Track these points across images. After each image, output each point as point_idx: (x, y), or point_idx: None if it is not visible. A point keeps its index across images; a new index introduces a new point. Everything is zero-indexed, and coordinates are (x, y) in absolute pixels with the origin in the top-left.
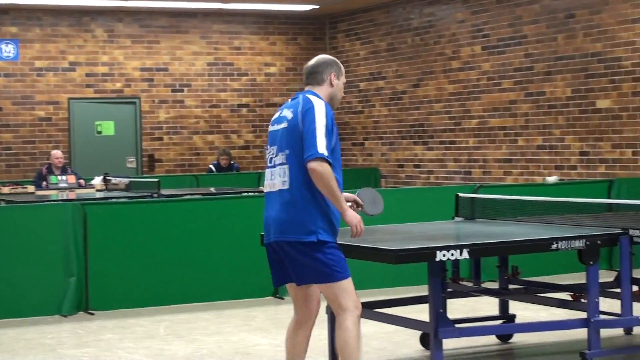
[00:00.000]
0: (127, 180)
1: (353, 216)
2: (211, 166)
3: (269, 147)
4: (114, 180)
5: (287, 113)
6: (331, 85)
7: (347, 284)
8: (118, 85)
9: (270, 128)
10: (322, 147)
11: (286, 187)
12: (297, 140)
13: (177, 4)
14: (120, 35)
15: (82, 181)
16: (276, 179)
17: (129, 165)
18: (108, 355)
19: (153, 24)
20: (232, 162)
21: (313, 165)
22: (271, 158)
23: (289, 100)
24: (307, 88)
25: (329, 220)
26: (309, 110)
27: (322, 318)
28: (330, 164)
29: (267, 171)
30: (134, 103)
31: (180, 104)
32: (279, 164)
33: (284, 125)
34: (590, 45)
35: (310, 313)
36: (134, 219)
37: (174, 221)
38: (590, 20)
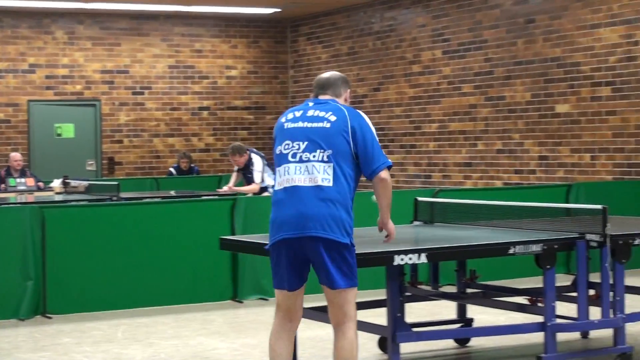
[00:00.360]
0: (86, 183)
1: (393, 226)
2: (171, 169)
3: (289, 142)
4: (73, 183)
5: (325, 114)
6: (345, 101)
7: (356, 292)
8: (78, 87)
9: (290, 125)
10: (386, 156)
11: (329, 184)
12: (342, 142)
13: (138, 6)
14: (81, 37)
15: (41, 184)
16: (310, 174)
17: (89, 168)
18: (65, 359)
19: (114, 26)
20: (192, 165)
21: (384, 174)
22: (295, 153)
23: (309, 103)
24: (325, 97)
25: (353, 225)
26: (363, 121)
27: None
28: None
29: (291, 166)
30: (94, 105)
31: (140, 106)
32: (317, 161)
33: (323, 124)
34: (550, 50)
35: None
36: (93, 222)
37: (133, 224)
38: (549, 26)
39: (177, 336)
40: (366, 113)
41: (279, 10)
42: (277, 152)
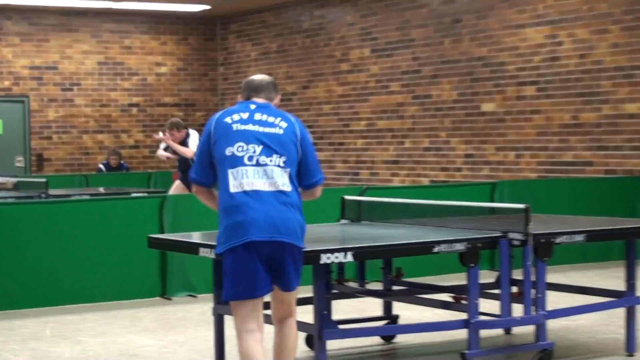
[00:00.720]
0: (14, 179)
1: None
2: (101, 165)
3: (242, 144)
4: (1, 179)
5: (275, 120)
6: (275, 106)
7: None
8: (6, 83)
9: (239, 126)
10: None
11: (286, 189)
12: (293, 150)
13: (67, 2)
14: (9, 33)
15: None
16: (270, 179)
17: (18, 165)
18: None
19: (42, 22)
20: (121, 162)
21: (319, 189)
22: (251, 156)
23: (250, 105)
24: (259, 101)
25: None
26: (307, 132)
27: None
28: None
29: (248, 169)
30: (23, 102)
31: (69, 102)
32: (273, 166)
33: (276, 130)
34: (476, 49)
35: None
36: (21, 219)
37: (61, 222)
38: (476, 25)
39: (105, 333)
40: (295, 111)
41: (209, 7)
42: (228, 153)
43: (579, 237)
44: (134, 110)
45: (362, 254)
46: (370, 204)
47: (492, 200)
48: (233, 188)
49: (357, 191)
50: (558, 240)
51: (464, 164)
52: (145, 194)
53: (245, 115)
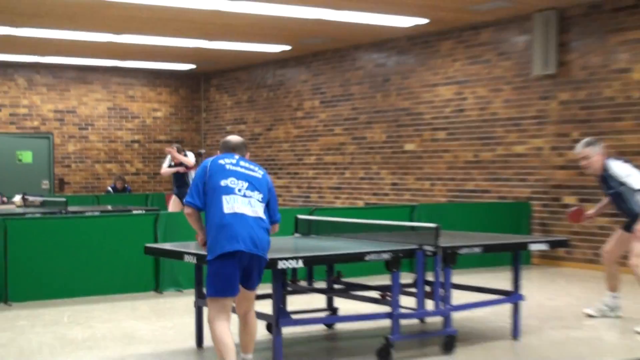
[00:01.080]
0: (41, 199)
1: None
2: (109, 188)
3: (234, 179)
4: (30, 198)
5: (254, 168)
6: None
7: None
8: (36, 123)
9: (231, 167)
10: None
11: (262, 217)
12: (266, 191)
13: (84, 60)
14: (38, 84)
15: (4, 199)
16: (252, 207)
17: (44, 187)
18: (22, 337)
19: (64, 75)
20: (125, 185)
21: (277, 226)
22: (240, 189)
23: (235, 156)
24: (239, 155)
25: None
26: (271, 181)
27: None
28: None
29: (238, 197)
30: (48, 138)
31: (85, 139)
32: (255, 199)
33: (257, 174)
34: (401, 102)
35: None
36: (46, 230)
37: (77, 232)
38: (401, 84)
39: (110, 320)
40: (261, 147)
41: (195, 66)
42: (222, 184)
43: (477, 249)
44: (136, 145)
45: (310, 261)
46: (318, 221)
47: (411, 220)
48: (227, 209)
49: (308, 211)
50: (461, 251)
51: (390, 191)
52: (143, 212)
53: (234, 161)
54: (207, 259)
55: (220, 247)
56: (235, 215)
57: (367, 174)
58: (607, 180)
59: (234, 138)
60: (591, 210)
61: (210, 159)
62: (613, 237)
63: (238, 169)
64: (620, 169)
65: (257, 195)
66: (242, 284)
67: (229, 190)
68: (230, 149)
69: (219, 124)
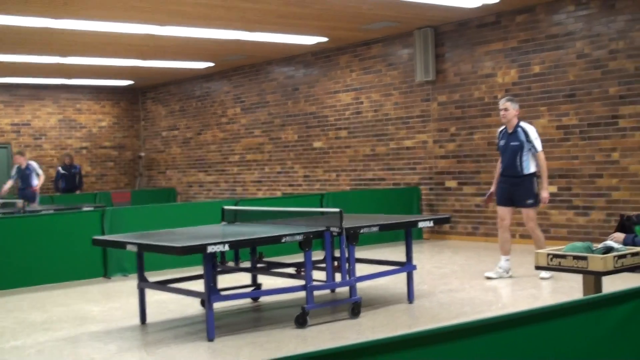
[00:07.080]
0: (2, 201)
1: None
2: (59, 168)
3: None
4: None
5: None
6: None
7: None
8: None
9: None
10: None
11: None
12: None
13: (36, 80)
14: None
15: None
16: None
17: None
18: None
19: (19, 93)
20: (73, 163)
21: None
22: None
23: None
24: None
25: None
26: None
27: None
28: None
29: None
30: (7, 147)
31: (39, 147)
32: None
33: None
34: (309, 107)
35: None
36: (6, 228)
37: (35, 228)
38: (308, 92)
39: (65, 304)
40: (193, 149)
41: (133, 82)
42: None
43: (375, 228)
44: (84, 151)
45: (236, 244)
46: (242, 211)
47: (321, 206)
48: None
49: (233, 202)
50: (362, 231)
51: (303, 182)
52: (92, 208)
53: None
54: None
55: None
56: None
57: (283, 168)
58: (515, 133)
59: None
60: (492, 188)
61: None
62: (505, 210)
63: None
64: (533, 129)
65: None
66: None
67: None
68: None
69: (155, 131)
